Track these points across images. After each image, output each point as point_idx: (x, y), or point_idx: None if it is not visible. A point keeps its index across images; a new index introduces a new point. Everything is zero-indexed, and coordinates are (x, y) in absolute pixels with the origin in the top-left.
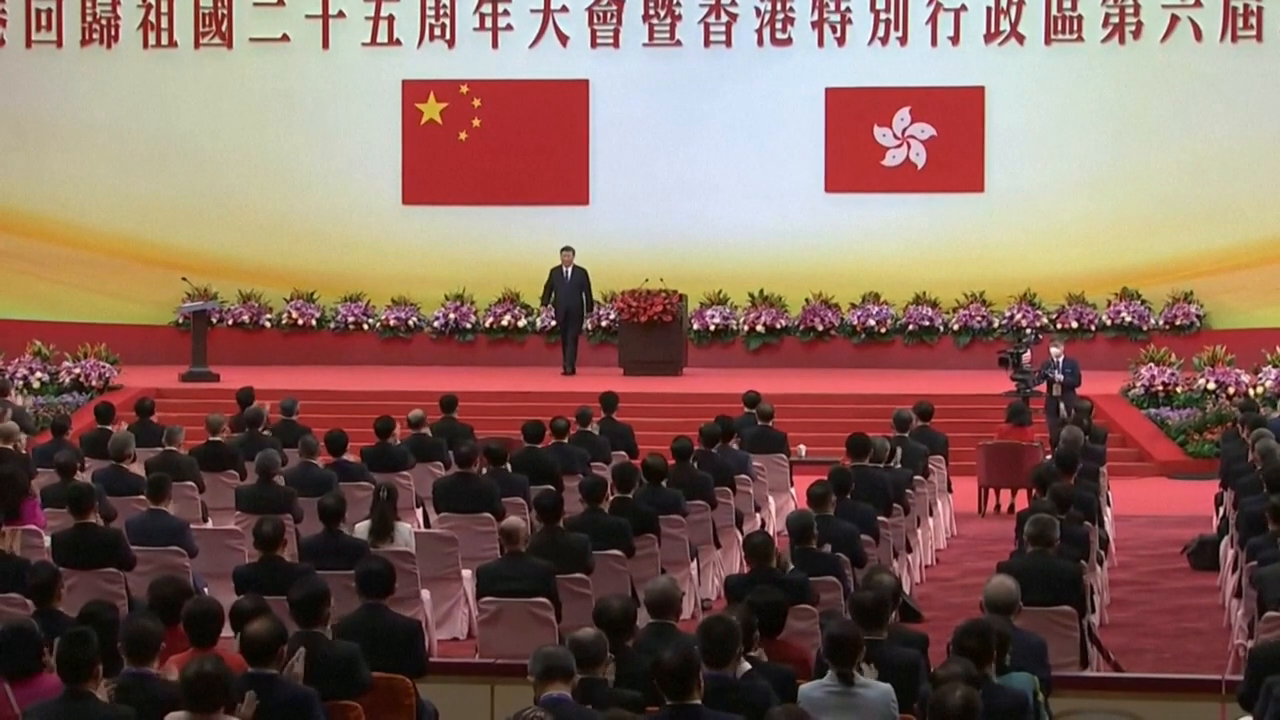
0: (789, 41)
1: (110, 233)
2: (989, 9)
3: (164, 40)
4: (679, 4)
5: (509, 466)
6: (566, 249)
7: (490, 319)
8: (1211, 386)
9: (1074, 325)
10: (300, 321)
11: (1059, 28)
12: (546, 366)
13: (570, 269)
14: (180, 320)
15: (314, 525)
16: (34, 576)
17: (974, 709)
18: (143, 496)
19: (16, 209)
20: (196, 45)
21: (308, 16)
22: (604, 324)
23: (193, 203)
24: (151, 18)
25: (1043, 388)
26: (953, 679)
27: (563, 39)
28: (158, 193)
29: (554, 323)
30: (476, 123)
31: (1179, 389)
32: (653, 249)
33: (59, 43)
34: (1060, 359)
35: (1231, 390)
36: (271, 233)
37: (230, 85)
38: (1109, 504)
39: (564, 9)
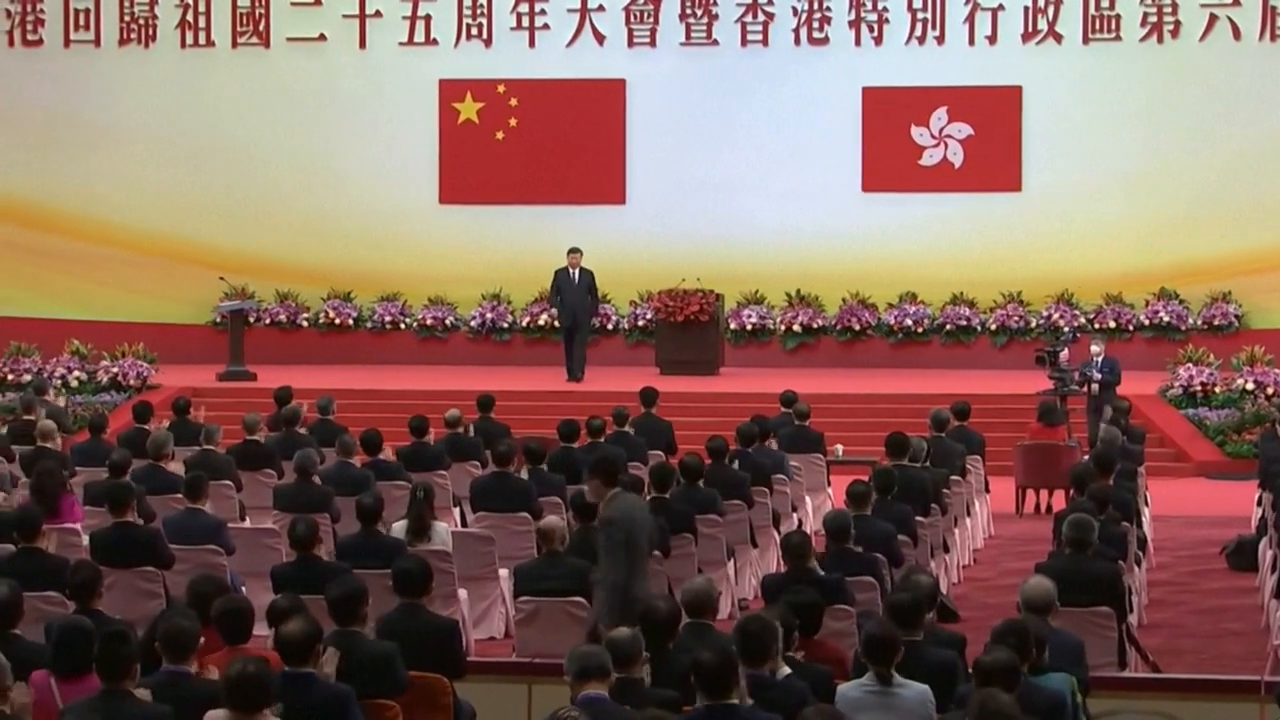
0: (826, 41)
1: (148, 232)
2: (1026, 8)
3: (201, 40)
4: (716, 3)
5: (546, 466)
6: (574, 250)
7: (527, 318)
8: (1250, 387)
9: (1112, 325)
10: (337, 321)
11: (1097, 27)
12: None
13: (577, 270)
14: (218, 319)
15: (351, 524)
16: (75, 575)
17: (1012, 714)
18: (180, 495)
19: (54, 208)
20: (234, 45)
21: (345, 16)
22: (640, 324)
23: (230, 202)
24: (189, 17)
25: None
26: (997, 668)
27: (599, 38)
28: (195, 192)
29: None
30: (513, 122)
31: (1217, 389)
32: (689, 248)
33: (97, 42)
34: (1100, 358)
35: (1270, 390)
36: (308, 232)
37: (267, 85)
38: (1147, 504)
39: (601, 8)
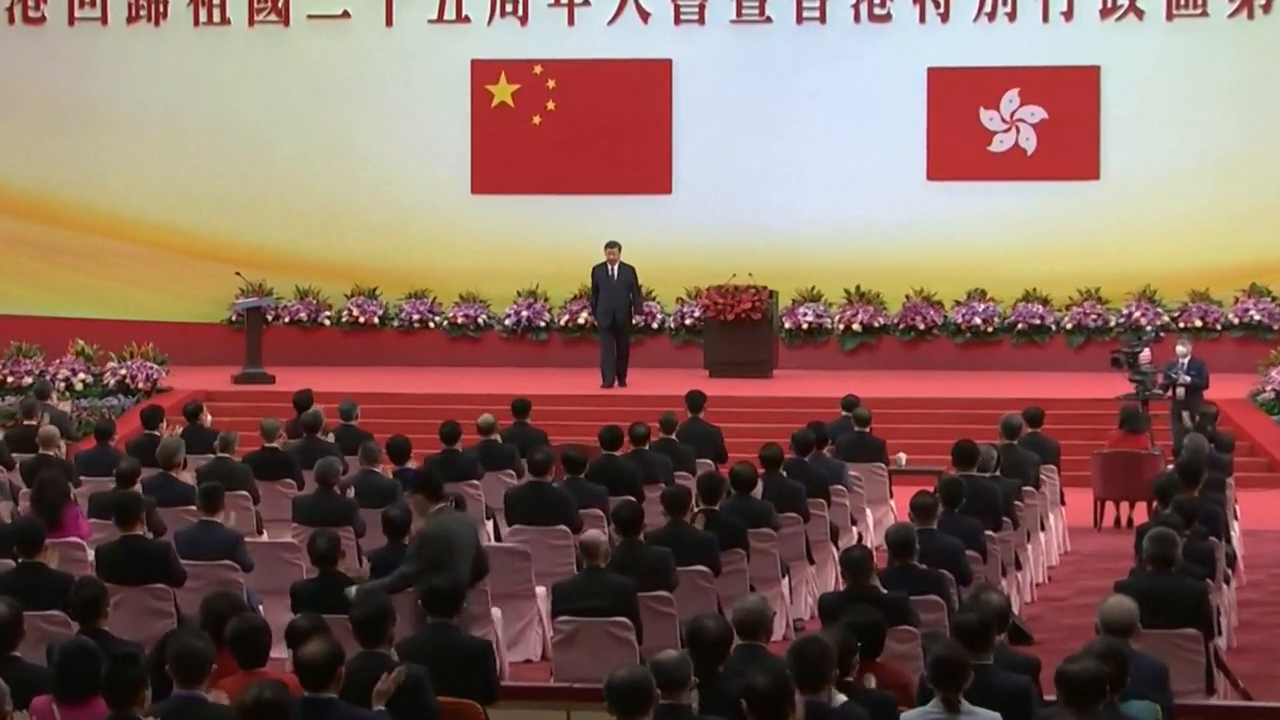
0: (888, 18)
1: (159, 224)
2: None
3: (216, 17)
4: None
5: (586, 476)
6: (611, 244)
7: (565, 317)
8: None
9: (1197, 324)
10: (361, 319)
11: (1181, 2)
12: None
13: (616, 266)
14: (233, 318)
15: (377, 538)
16: (79, 593)
17: None
18: (193, 507)
19: (58, 198)
20: (250, 23)
21: None
22: (687, 323)
23: (246, 192)
24: None
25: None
26: (1085, 677)
27: (644, 15)
28: (209, 181)
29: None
30: (551, 106)
31: None
32: (740, 241)
33: (104, 20)
34: (1186, 359)
35: None
36: (331, 224)
37: (287, 66)
38: (1236, 518)
39: None
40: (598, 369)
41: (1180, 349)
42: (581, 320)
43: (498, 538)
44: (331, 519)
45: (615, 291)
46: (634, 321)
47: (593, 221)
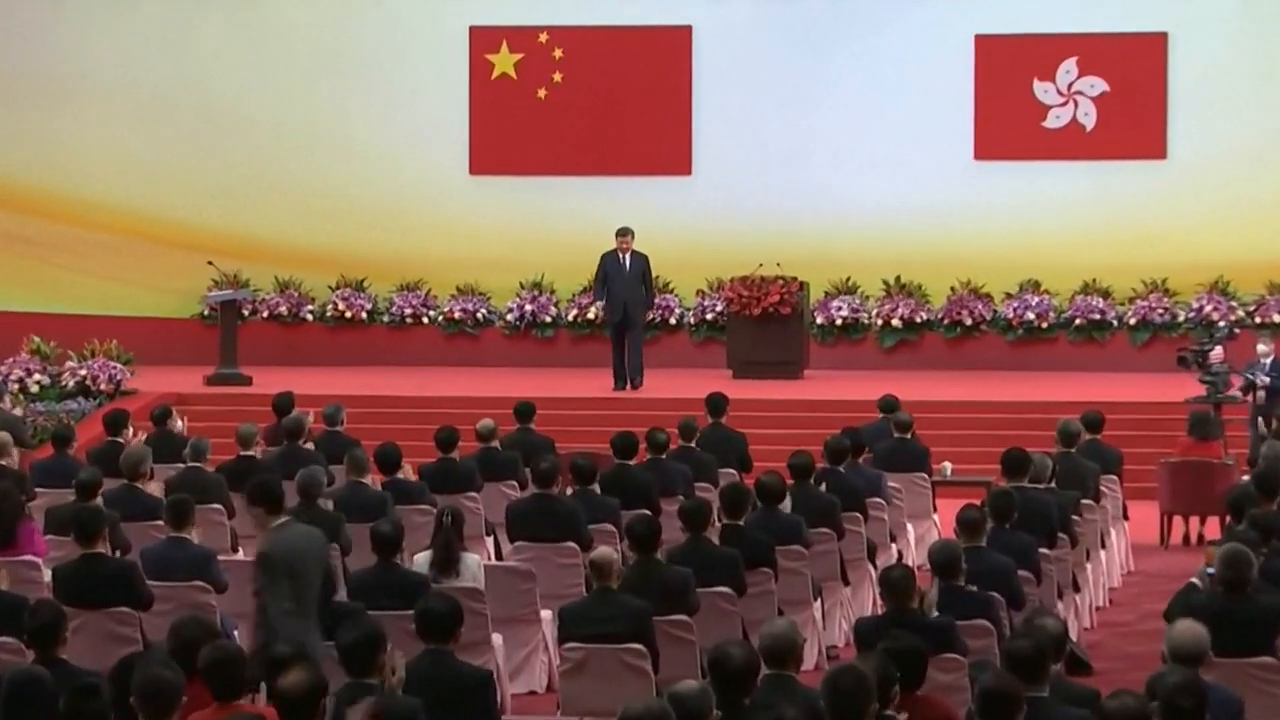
0: None
1: (124, 209)
2: None
3: None
4: None
5: (597, 487)
6: (624, 231)
7: (574, 311)
8: None
9: (1276, 319)
10: (348, 314)
11: None
12: None
13: (628, 255)
14: (206, 312)
15: (366, 556)
16: (34, 618)
17: None
18: (161, 522)
19: (13, 180)
20: None
21: None
22: (709, 318)
23: (221, 173)
24: None
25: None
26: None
27: None
28: (180, 162)
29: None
30: (557, 77)
31: None
32: (767, 228)
33: None
34: (1269, 359)
35: None
36: (314, 209)
37: (267, 35)
38: None
39: None
40: (608, 369)
41: (1261, 348)
42: (591, 315)
43: (499, 555)
44: None
45: (627, 283)
46: (649, 317)
47: (604, 205)
